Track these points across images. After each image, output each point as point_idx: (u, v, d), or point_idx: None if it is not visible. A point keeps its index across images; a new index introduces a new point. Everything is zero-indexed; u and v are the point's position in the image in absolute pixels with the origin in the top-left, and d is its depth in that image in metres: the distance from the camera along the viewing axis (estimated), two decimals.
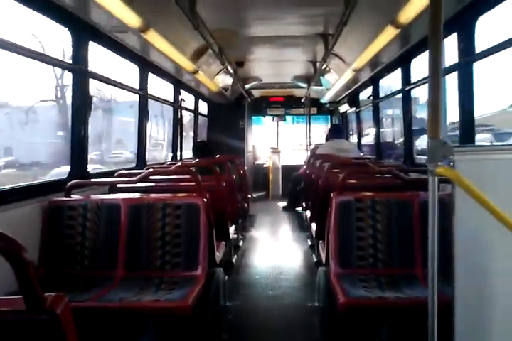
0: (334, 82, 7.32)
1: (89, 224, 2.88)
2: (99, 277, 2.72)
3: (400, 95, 5.18)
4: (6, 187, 2.70)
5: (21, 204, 2.70)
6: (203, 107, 9.25)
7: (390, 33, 3.83)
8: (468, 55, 3.28)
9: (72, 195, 3.08)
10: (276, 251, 5.71)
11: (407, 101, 4.97)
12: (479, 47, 3.24)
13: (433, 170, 1.76)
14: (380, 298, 2.37)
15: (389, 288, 2.53)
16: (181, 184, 3.68)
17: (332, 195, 2.99)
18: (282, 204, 9.05)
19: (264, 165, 10.84)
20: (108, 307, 2.33)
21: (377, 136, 6.51)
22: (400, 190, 3.23)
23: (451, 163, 1.79)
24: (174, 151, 6.62)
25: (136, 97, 5.08)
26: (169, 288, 2.56)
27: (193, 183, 3.17)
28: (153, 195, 3.08)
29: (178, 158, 6.71)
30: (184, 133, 7.14)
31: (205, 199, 2.91)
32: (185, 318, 2.41)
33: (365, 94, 7.45)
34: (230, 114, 9.84)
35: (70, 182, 3.10)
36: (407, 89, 4.85)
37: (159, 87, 6.41)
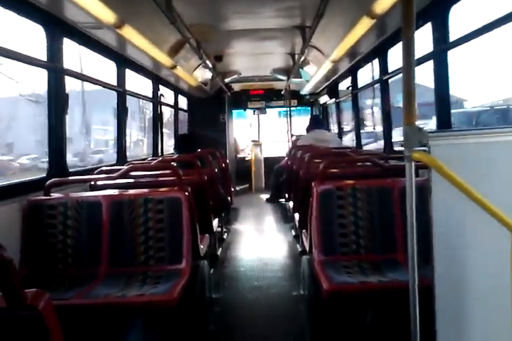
0: (313, 74, 7.35)
1: (70, 222, 2.87)
2: (83, 274, 2.71)
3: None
4: None
5: (0, 203, 2.68)
6: (183, 102, 9.22)
7: (366, 23, 3.86)
8: (442, 43, 3.34)
9: (52, 194, 3.06)
10: (260, 242, 5.76)
11: (384, 90, 5.03)
12: (453, 35, 3.31)
13: (409, 155, 1.81)
14: (362, 283, 2.42)
15: (372, 273, 2.59)
16: (162, 179, 3.67)
17: (313, 184, 3.03)
18: (265, 196, 9.09)
19: (247, 158, 10.86)
20: (93, 304, 2.33)
21: (357, 125, 6.57)
22: (380, 177, 3.28)
23: (427, 148, 1.83)
24: (155, 147, 6.58)
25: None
26: (154, 282, 2.57)
27: (174, 178, 3.17)
28: (134, 191, 3.08)
29: (160, 153, 6.69)
30: (165, 129, 7.12)
31: (186, 193, 2.91)
32: (171, 311, 2.42)
33: (344, 84, 7.51)
34: (211, 108, 9.82)
35: (49, 181, 3.07)
36: (384, 78, 4.91)
37: (138, 82, 6.38)
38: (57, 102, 3.46)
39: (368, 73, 6.83)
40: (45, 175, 3.36)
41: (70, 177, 3.46)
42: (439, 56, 3.39)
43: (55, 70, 3.40)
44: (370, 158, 3.42)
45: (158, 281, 2.57)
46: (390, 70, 4.85)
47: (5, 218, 2.72)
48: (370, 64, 5.91)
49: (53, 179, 3.13)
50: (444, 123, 3.32)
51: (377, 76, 5.28)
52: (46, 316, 0.99)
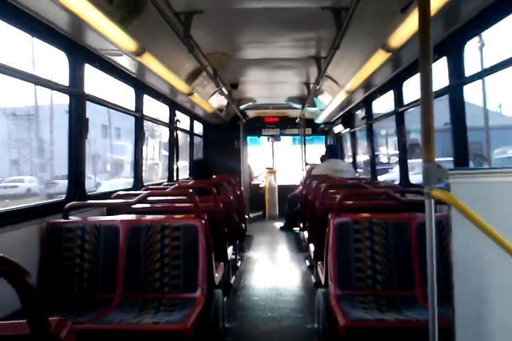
0: (328, 103, 7.41)
1: (87, 246, 2.89)
2: (98, 299, 2.71)
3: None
4: (4, 209, 2.70)
5: (19, 226, 2.70)
6: (199, 128, 9.33)
7: (381, 56, 3.92)
8: (458, 78, 3.36)
9: (70, 217, 3.09)
10: (274, 272, 5.69)
11: (400, 122, 5.04)
12: (469, 69, 3.33)
13: (429, 192, 1.80)
14: (380, 320, 2.37)
15: (388, 309, 2.54)
16: (178, 205, 3.69)
17: (330, 216, 3.02)
18: (279, 224, 9.04)
19: (261, 185, 10.87)
20: (108, 329, 2.32)
21: (372, 156, 6.56)
22: (396, 210, 3.26)
23: (447, 186, 1.82)
24: (170, 172, 6.64)
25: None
26: (169, 310, 2.56)
27: (191, 204, 3.19)
28: (151, 217, 3.09)
29: (175, 178, 6.73)
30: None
31: (203, 221, 2.92)
32: (185, 340, 2.40)
33: (360, 114, 7.55)
34: (226, 134, 9.92)
35: (68, 204, 3.11)
36: (399, 110, 4.93)
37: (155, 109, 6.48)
38: (77, 126, 3.53)
39: (383, 103, 6.88)
40: (64, 198, 3.40)
41: (89, 201, 3.49)
42: (454, 90, 3.41)
43: (77, 95, 3.48)
44: (387, 192, 3.40)
45: (173, 309, 2.56)
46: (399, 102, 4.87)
47: (24, 240, 2.75)
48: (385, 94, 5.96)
49: (72, 202, 3.17)
50: (462, 160, 3.30)
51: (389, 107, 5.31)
52: None
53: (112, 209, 3.66)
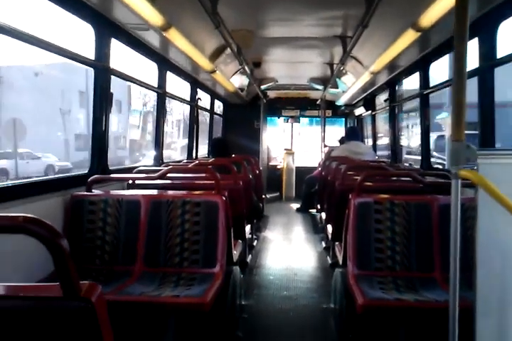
0: (351, 85, 7.31)
1: (109, 219, 2.92)
2: (119, 272, 2.76)
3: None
4: (30, 180, 2.75)
5: (45, 197, 2.74)
6: (219, 107, 9.31)
7: (410, 36, 3.82)
8: (489, 59, 3.27)
9: (93, 190, 3.12)
10: (290, 252, 5.72)
11: (425, 105, 4.95)
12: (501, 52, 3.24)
13: (456, 172, 1.77)
14: (398, 300, 2.37)
15: (407, 290, 2.54)
16: (198, 182, 3.71)
17: (350, 196, 3.00)
18: (296, 205, 9.05)
19: (278, 167, 10.86)
20: (128, 301, 2.36)
21: (393, 139, 6.49)
22: (417, 193, 3.23)
23: (475, 167, 1.79)
24: (190, 149, 6.66)
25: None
26: (188, 284, 2.59)
27: (211, 181, 3.20)
28: (172, 192, 3.11)
29: (194, 156, 6.76)
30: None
31: (223, 198, 2.93)
32: (203, 315, 2.43)
33: (382, 97, 7.45)
34: (245, 114, 9.88)
35: (92, 177, 3.14)
36: (425, 93, 4.84)
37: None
38: (101, 101, 3.54)
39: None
40: (87, 172, 3.44)
41: (112, 175, 3.53)
42: (484, 72, 3.33)
43: (102, 69, 3.49)
44: (410, 173, 3.36)
45: (192, 283, 2.59)
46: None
47: (48, 211, 2.79)
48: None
49: (95, 175, 3.20)
50: (488, 142, 3.24)
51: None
52: (98, 309, 1.01)
53: (133, 185, 3.70)
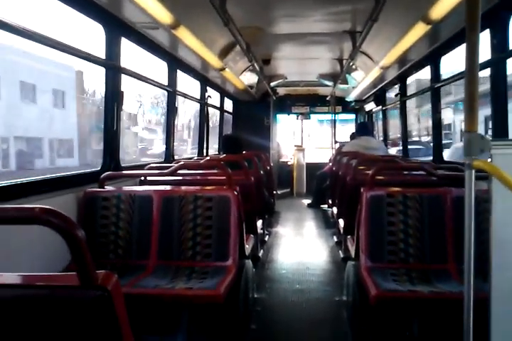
0: (360, 80, 7.29)
1: (122, 214, 2.95)
2: (133, 266, 2.79)
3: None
4: (44, 177, 2.79)
5: (59, 193, 2.78)
6: (228, 104, 9.32)
7: (420, 29, 3.80)
8: (501, 51, 3.25)
9: (105, 187, 3.16)
10: (302, 246, 5.73)
11: (436, 98, 4.93)
12: None
13: (470, 163, 1.76)
14: (412, 291, 2.37)
15: (420, 282, 2.54)
16: (210, 178, 3.73)
17: (362, 189, 3.00)
18: (306, 201, 9.06)
19: (289, 163, 10.86)
20: (143, 294, 2.39)
21: (404, 134, 6.46)
22: (430, 186, 3.22)
23: (489, 158, 1.79)
24: (200, 147, 6.69)
25: None
26: (201, 277, 2.61)
27: (222, 177, 3.22)
28: (184, 188, 3.14)
29: (205, 153, 6.79)
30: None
31: (235, 192, 2.95)
32: (216, 307, 2.45)
33: (392, 92, 7.42)
34: (255, 111, 9.88)
35: (104, 174, 3.18)
36: (436, 86, 4.81)
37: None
38: (113, 99, 3.57)
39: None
40: (99, 169, 3.47)
41: (124, 172, 3.56)
42: (496, 64, 3.31)
43: (113, 68, 3.52)
44: (422, 166, 3.35)
45: (205, 277, 2.61)
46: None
47: (62, 207, 2.79)
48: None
49: (108, 172, 3.23)
50: (502, 132, 3.22)
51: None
52: (115, 297, 1.02)
53: (144, 182, 3.73)
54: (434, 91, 4.90)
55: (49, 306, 1.01)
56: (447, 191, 2.94)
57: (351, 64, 6.35)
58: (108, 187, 3.16)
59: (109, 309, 1.01)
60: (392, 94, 7.90)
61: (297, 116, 11.28)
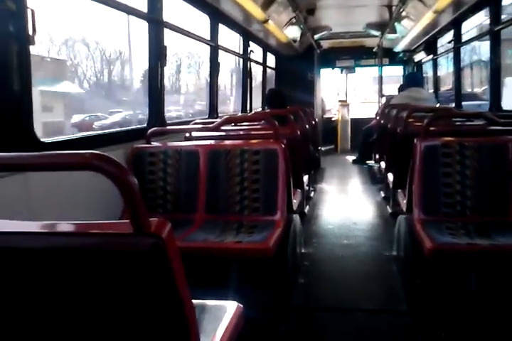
0: (411, 28, 6.88)
1: (169, 169, 2.95)
2: (181, 220, 2.80)
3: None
4: (93, 133, 2.81)
5: (106, 149, 2.79)
6: (271, 60, 9.10)
7: None
8: None
9: (152, 143, 3.15)
10: (348, 202, 5.67)
11: (495, 43, 4.57)
12: None
13: None
14: (470, 245, 2.27)
15: (478, 236, 2.42)
16: (255, 132, 3.66)
17: (415, 140, 2.86)
18: (351, 157, 8.90)
19: (333, 119, 10.63)
20: (193, 247, 2.40)
21: (458, 84, 6.12)
22: (486, 136, 3.03)
23: None
24: (244, 102, 6.60)
25: None
26: (249, 231, 2.60)
27: (268, 132, 3.14)
28: (230, 142, 3.09)
29: (248, 109, 6.70)
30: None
31: (282, 145, 2.88)
32: (266, 260, 2.44)
33: (444, 40, 6.99)
34: (298, 66, 9.60)
35: (151, 130, 3.16)
36: (496, 29, 4.45)
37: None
38: (156, 54, 3.51)
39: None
40: (145, 125, 3.47)
41: (169, 127, 3.55)
42: None
43: (156, 22, 3.43)
44: (483, 113, 3.14)
45: (253, 231, 2.60)
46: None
47: None
48: None
49: (154, 128, 3.22)
50: None
51: None
52: (169, 244, 1.00)
53: (190, 138, 3.70)
54: (494, 35, 4.54)
55: (103, 254, 0.99)
56: (509, 139, 2.76)
57: (401, 10, 5.98)
58: (155, 143, 3.16)
59: (163, 257, 0.99)
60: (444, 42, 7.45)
61: (341, 70, 10.92)
